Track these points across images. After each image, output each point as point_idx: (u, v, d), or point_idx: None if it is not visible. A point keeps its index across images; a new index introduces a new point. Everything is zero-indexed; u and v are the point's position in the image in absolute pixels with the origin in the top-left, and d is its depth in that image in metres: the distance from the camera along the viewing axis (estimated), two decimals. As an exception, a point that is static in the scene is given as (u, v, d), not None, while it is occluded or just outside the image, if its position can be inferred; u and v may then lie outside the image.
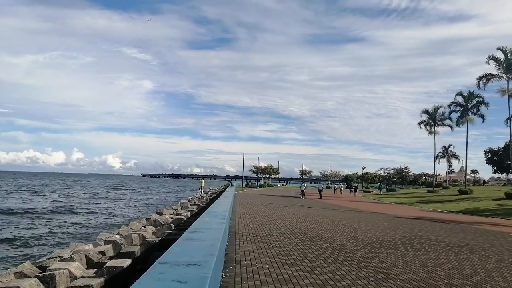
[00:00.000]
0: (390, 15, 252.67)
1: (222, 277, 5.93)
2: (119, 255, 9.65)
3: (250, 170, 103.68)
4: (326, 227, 13.88)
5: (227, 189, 43.99)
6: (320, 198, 38.50)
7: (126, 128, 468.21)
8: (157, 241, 11.50)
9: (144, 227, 15.84)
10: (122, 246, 10.24)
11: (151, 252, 9.77)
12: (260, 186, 75.85)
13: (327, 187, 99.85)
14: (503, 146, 71.29)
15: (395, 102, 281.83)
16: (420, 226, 15.59)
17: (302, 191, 39.25)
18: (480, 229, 15.60)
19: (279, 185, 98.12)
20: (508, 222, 19.66)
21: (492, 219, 20.87)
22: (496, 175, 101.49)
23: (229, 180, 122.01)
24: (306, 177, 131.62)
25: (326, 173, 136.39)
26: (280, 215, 18.06)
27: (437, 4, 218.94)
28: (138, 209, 37.50)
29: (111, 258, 9.27)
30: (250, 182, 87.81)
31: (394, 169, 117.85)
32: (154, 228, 15.54)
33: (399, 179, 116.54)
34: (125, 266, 8.04)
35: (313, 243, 10.09)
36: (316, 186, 58.83)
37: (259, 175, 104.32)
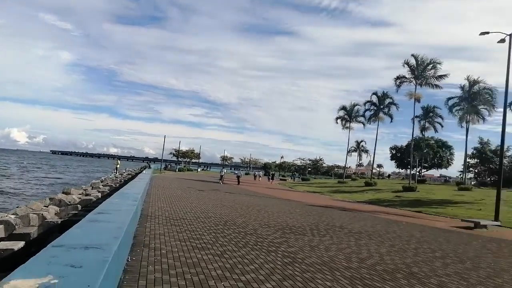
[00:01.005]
0: (321, 13, 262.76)
1: (128, 260, 5.69)
2: (11, 236, 8.78)
3: (171, 153, 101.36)
4: (240, 212, 14.11)
5: (144, 171, 42.50)
6: (238, 184, 39.04)
7: (37, 101, 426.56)
8: (59, 222, 10.70)
9: (47, 207, 14.61)
10: (16, 227, 9.31)
11: (50, 234, 9.04)
12: (179, 170, 74.54)
13: (246, 174, 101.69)
14: (406, 144, 78.86)
15: (317, 96, 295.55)
16: (328, 214, 16.61)
17: (221, 176, 39.47)
18: (379, 217, 17.10)
19: (199, 170, 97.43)
20: (403, 211, 21.86)
21: (390, 209, 23.03)
22: (397, 170, 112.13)
23: (147, 162, 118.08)
24: (226, 163, 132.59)
25: (246, 160, 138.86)
26: (196, 199, 17.94)
27: (363, 8, 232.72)
28: (42, 188, 34.53)
29: (0, 240, 8.39)
30: (169, 165, 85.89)
31: (310, 160, 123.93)
32: (57, 209, 14.41)
33: (313, 170, 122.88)
34: (15, 249, 7.33)
35: (226, 227, 10.18)
36: (236, 172, 59.48)
37: (179, 159, 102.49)
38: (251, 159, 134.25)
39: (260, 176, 65.43)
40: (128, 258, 5.80)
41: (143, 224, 9.26)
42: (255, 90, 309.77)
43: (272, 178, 59.51)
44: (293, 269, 6.31)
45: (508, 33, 19.60)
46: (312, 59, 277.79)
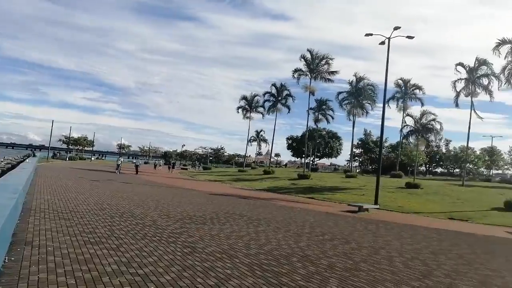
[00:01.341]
0: (224, 1, 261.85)
1: (4, 261, 5.02)
2: None
3: (60, 140, 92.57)
4: (139, 203, 13.54)
5: (27, 160, 38.12)
6: (137, 173, 37.44)
7: None
8: None
9: None
10: None
11: None
12: (70, 159, 68.57)
13: (146, 163, 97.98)
14: (301, 134, 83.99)
15: (219, 85, 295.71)
16: (228, 202, 16.88)
17: (118, 165, 37.41)
18: (276, 204, 17.96)
19: (93, 159, 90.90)
20: (298, 198, 23.31)
21: (287, 196, 24.37)
22: (293, 159, 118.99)
23: (32, 150, 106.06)
24: (124, 151, 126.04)
25: (145, 148, 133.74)
26: (90, 190, 16.70)
27: (264, 0, 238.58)
28: None
29: None
30: (58, 154, 78.50)
31: (212, 149, 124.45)
32: None
33: (215, 158, 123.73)
34: None
35: (123, 219, 9.67)
36: (134, 161, 56.88)
37: (70, 147, 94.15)
38: (150, 148, 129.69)
39: (161, 165, 64.20)
40: (5, 258, 5.14)
41: (25, 220, 8.29)
42: (156, 75, 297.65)
43: (173, 167, 58.41)
44: (193, 259, 6.26)
45: (388, 36, 22.00)
46: (215, 47, 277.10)
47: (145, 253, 6.33)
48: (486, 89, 37.91)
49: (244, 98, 61.54)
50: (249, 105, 61.00)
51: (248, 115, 61.15)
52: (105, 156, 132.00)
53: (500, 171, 77.76)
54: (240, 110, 61.56)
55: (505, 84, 26.49)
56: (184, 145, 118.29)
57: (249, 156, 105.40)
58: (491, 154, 68.07)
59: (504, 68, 26.02)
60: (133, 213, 11.01)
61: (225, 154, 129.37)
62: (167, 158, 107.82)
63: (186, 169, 70.85)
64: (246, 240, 8.30)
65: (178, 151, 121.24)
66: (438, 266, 7.38)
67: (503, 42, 25.34)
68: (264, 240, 8.48)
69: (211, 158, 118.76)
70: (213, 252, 6.89)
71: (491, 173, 72.01)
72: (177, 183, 29.05)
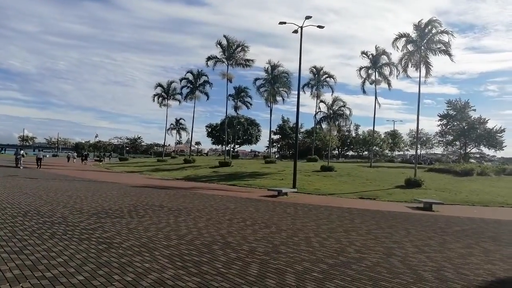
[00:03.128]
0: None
1: None
2: None
3: None
4: (46, 200, 12.43)
5: None
6: (39, 167, 34.17)
7: None
8: None
9: None
10: None
11: None
12: (-40, 154, 60.51)
13: (54, 155, 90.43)
14: (220, 122, 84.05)
15: (133, 71, 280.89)
16: (147, 193, 16.31)
17: (17, 159, 33.95)
18: (198, 193, 17.81)
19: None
20: (219, 186, 23.38)
21: (208, 184, 24.29)
22: (214, 147, 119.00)
23: None
24: (28, 143, 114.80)
25: (53, 140, 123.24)
26: (-14, 189, 14.92)
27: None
28: None
29: None
30: None
31: (128, 139, 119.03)
32: None
33: (132, 149, 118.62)
34: None
35: (27, 218, 8.79)
36: (35, 153, 51.81)
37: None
38: (59, 139, 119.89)
39: (74, 158, 59.79)
40: None
41: None
42: (62, 60, 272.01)
43: (86, 159, 54.79)
44: (109, 255, 5.93)
45: (300, 25, 22.81)
46: (127, 31, 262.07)
47: (53, 254, 5.83)
48: (386, 78, 41.48)
49: (160, 85, 59.44)
50: (166, 93, 59.13)
51: (165, 102, 59.35)
52: (5, 150, 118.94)
53: (401, 152, 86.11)
54: (156, 97, 59.47)
55: (402, 72, 29.11)
56: (97, 135, 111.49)
57: (169, 145, 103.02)
58: (394, 137, 75.01)
59: (401, 59, 28.59)
60: (40, 210, 10.08)
61: (142, 144, 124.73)
62: (79, 149, 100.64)
63: (100, 160, 66.85)
64: (166, 232, 8.08)
65: (91, 142, 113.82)
66: (350, 243, 7.93)
67: (400, 36, 27.74)
68: (185, 230, 8.35)
69: (127, 148, 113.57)
70: (131, 246, 6.60)
71: (394, 155, 79.49)
72: (91, 176, 27.27)
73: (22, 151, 38.30)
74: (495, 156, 66.16)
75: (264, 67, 47.38)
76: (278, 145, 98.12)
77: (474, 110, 57.37)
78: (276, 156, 75.96)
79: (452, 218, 12.73)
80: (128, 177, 29.42)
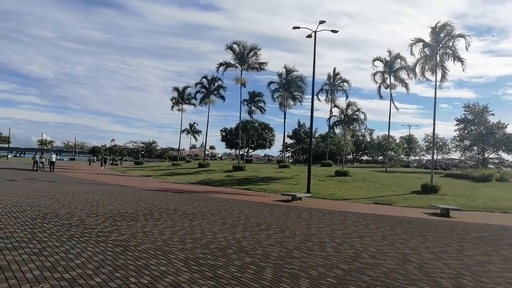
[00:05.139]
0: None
1: None
2: None
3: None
4: (64, 202, 12.67)
5: None
6: (52, 171, 34.06)
7: None
8: None
9: None
10: None
11: None
12: (-19, 157, 62.16)
13: (71, 159, 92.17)
14: (234, 126, 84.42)
15: (148, 76, 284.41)
16: (162, 197, 16.46)
17: (36, 162, 34.61)
18: (212, 197, 17.89)
19: (9, 156, 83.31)
20: (233, 190, 23.44)
21: (222, 188, 24.38)
22: (228, 151, 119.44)
23: None
24: (46, 147, 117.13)
25: (71, 143, 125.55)
26: (5, 191, 15.30)
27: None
28: None
29: None
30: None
31: (143, 143, 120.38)
32: None
33: (147, 153, 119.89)
34: None
35: (45, 221, 8.99)
36: (40, 156, 52.31)
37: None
38: (76, 143, 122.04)
39: (94, 162, 62.31)
40: None
41: None
42: (79, 65, 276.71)
43: (105, 163, 55.91)
44: (126, 258, 6.02)
45: (314, 30, 22.80)
46: (141, 36, 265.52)
47: (71, 256, 5.94)
48: (402, 81, 41.00)
49: (176, 89, 60.09)
50: (181, 97, 59.72)
51: (180, 107, 59.89)
52: (24, 154, 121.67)
53: (417, 157, 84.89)
54: (172, 102, 60.04)
55: (420, 76, 28.77)
56: (113, 140, 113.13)
57: (183, 149, 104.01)
58: (409, 142, 74.03)
59: (416, 63, 28.38)
60: (58, 213, 10.29)
61: (157, 148, 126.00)
62: (95, 153, 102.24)
63: (116, 164, 67.76)
64: (181, 235, 8.15)
65: (107, 145, 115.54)
66: (365, 248, 7.86)
67: (417, 41, 27.48)
68: (200, 234, 8.40)
69: (143, 152, 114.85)
70: (147, 249, 6.68)
71: (409, 159, 78.41)
72: (107, 180, 27.67)
73: (43, 155, 38.78)
74: (515, 161, 64.68)
75: (278, 72, 47.50)
76: (292, 150, 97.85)
77: (493, 114, 56.16)
78: (290, 161, 75.78)
79: (470, 225, 12.49)
80: (144, 181, 29.75)
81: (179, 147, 70.58)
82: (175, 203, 14.26)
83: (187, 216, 11.14)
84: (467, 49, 25.98)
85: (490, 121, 55.41)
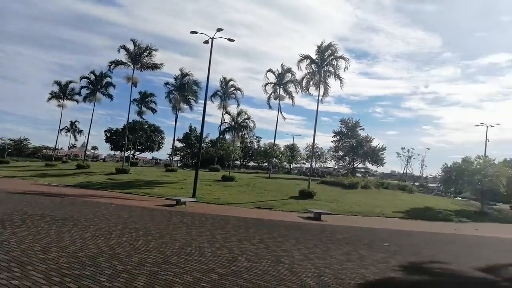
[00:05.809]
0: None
1: None
2: None
3: None
4: None
5: None
6: None
7: None
8: None
9: None
10: None
11: None
12: None
13: None
14: (122, 127, 79.97)
15: (25, 66, 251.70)
16: (28, 201, 14.65)
17: None
18: (89, 201, 16.57)
19: None
20: (114, 194, 22.08)
21: (101, 192, 22.76)
22: (112, 153, 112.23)
23: None
24: None
25: None
26: None
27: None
28: None
29: None
30: None
31: (11, 140, 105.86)
32: None
33: (16, 151, 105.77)
34: None
35: None
36: None
37: None
38: None
39: None
40: None
41: None
42: None
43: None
44: (-30, 272, 5.17)
45: (211, 36, 23.03)
46: (22, 21, 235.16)
47: None
48: (290, 94, 43.87)
49: (57, 83, 54.26)
50: (62, 92, 54.14)
51: (60, 102, 54.31)
52: None
53: (298, 165, 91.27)
54: (52, 95, 54.01)
55: (304, 90, 31.20)
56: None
57: (61, 148, 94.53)
58: (292, 150, 79.24)
59: (303, 78, 30.75)
60: None
61: (29, 146, 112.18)
62: None
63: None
64: (44, 243, 7.34)
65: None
66: (243, 252, 8.11)
67: (304, 57, 29.79)
68: (68, 242, 7.68)
69: (10, 150, 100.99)
70: (-1, 261, 5.84)
71: (291, 167, 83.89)
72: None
73: None
74: (377, 171, 74.12)
75: (175, 74, 46.59)
76: (182, 154, 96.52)
77: (363, 129, 63.57)
78: (179, 165, 74.59)
79: (337, 227, 13.85)
80: (7, 182, 26.11)
81: (55, 146, 63.86)
82: (43, 208, 12.82)
83: (56, 222, 10.10)
84: (345, 69, 29.12)
85: (360, 135, 62.58)
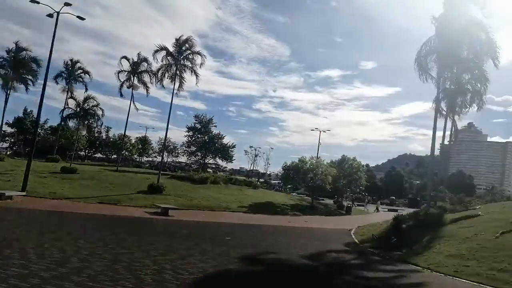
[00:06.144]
0: None
1: None
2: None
3: None
4: None
5: None
6: None
7: None
8: None
9: None
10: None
11: None
12: None
13: None
14: None
15: None
16: None
17: None
18: None
19: None
20: None
21: None
22: None
23: None
24: None
25: None
26: None
27: None
28: None
29: None
30: None
31: None
32: None
33: None
34: None
35: None
36: None
37: None
38: None
39: None
40: None
41: None
42: None
43: None
44: None
45: (57, 10, 20.41)
46: None
47: None
48: (145, 84, 42.24)
49: None
50: None
51: None
52: None
53: (150, 159, 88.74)
54: None
55: (158, 82, 30.44)
56: None
57: None
58: (144, 143, 76.65)
59: (158, 69, 29.96)
60: None
61: None
62: None
63: None
64: None
65: None
66: (77, 251, 7.44)
67: (160, 48, 29.00)
68: None
69: None
70: None
71: (142, 160, 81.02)
72: None
73: None
74: (227, 167, 77.50)
75: (8, 47, 39.68)
76: (12, 140, 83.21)
77: (216, 126, 65.52)
78: (8, 153, 64.05)
79: (183, 222, 13.97)
80: None
81: None
82: None
83: None
84: (201, 65, 29.43)
85: (213, 131, 64.36)
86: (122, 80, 41.94)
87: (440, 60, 19.54)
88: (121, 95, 42.72)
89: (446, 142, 25.11)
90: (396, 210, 35.38)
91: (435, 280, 8.60)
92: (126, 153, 67.69)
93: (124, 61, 41.47)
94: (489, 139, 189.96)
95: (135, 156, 76.22)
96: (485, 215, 15.73)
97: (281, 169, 36.84)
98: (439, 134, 21.46)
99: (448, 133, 22.89)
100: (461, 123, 33.39)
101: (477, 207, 20.33)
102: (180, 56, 29.10)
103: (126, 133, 51.04)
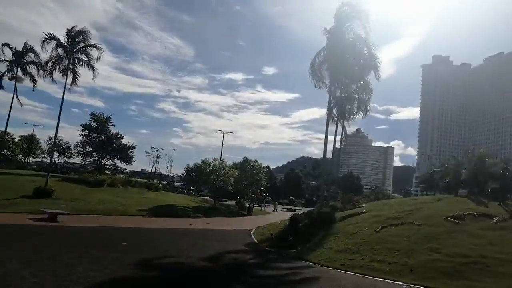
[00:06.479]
0: None
1: None
2: None
3: None
4: None
5: None
6: None
7: None
8: None
9: None
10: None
11: None
12: None
13: None
14: None
15: None
16: None
17: None
18: None
19: None
20: None
21: None
22: None
23: None
24: None
25: None
26: None
27: None
28: None
29: None
30: None
31: None
32: None
33: None
34: None
35: None
36: None
37: None
38: None
39: None
40: None
41: None
42: None
43: None
44: None
45: None
46: None
47: None
48: (32, 77, 38.05)
49: None
50: None
51: None
52: None
53: (39, 159, 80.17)
54: None
55: (47, 75, 27.71)
56: None
57: None
58: (30, 142, 69.02)
59: (47, 61, 27.27)
60: None
61: None
62: None
63: None
64: None
65: None
66: None
67: (50, 37, 26.42)
68: None
69: None
70: None
71: (28, 161, 72.77)
72: None
73: None
74: (126, 169, 73.61)
75: None
76: None
77: (114, 125, 61.89)
78: None
79: (73, 228, 12.92)
80: None
81: None
82: None
83: None
84: (98, 60, 27.47)
85: (111, 131, 60.68)
86: (2, 71, 37.30)
87: (331, 70, 21.22)
88: (2, 87, 37.98)
89: (337, 146, 27.37)
90: (294, 210, 37.32)
91: (325, 274, 9.29)
92: (8, 153, 60.22)
93: (6, 49, 36.95)
94: (373, 144, 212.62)
95: (19, 156, 68.24)
96: (369, 212, 17.44)
97: (184, 171, 36.32)
98: (331, 138, 23.34)
99: (339, 137, 24.93)
100: (350, 129, 36.75)
101: (363, 205, 22.46)
102: (73, 49, 26.89)
103: (8, 130, 45.48)
